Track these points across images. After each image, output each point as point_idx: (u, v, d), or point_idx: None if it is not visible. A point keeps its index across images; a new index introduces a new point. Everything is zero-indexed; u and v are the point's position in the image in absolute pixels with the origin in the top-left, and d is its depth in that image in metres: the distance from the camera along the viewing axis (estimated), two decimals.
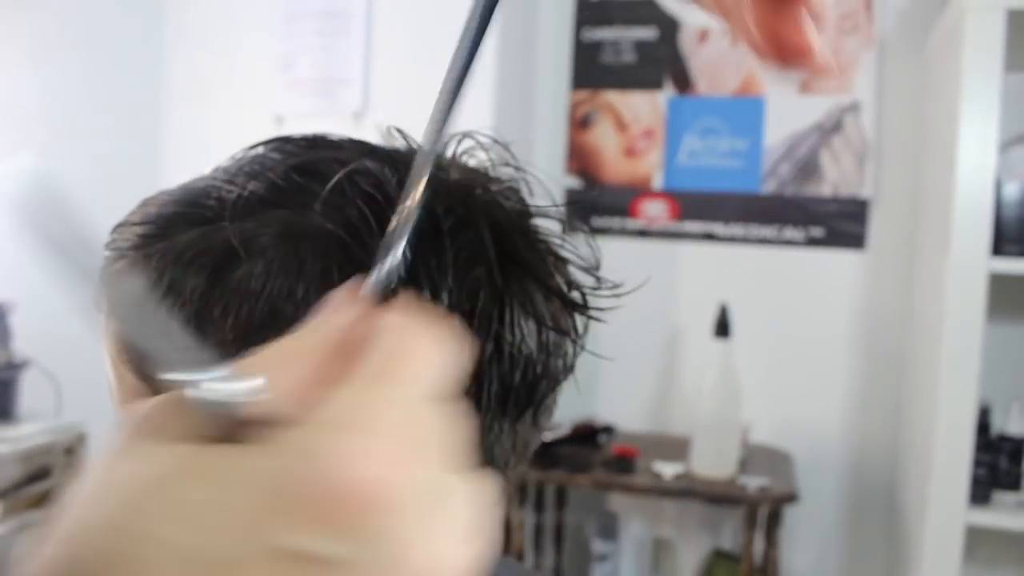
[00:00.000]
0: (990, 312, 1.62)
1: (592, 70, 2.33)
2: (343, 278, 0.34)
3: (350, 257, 0.37)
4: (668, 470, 1.93)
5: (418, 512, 0.22)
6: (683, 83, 2.26)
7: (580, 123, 2.35)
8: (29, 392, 1.76)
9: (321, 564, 0.20)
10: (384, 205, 0.38)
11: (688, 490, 1.90)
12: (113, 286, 0.27)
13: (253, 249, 0.38)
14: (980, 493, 1.68)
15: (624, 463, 1.93)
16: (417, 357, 0.25)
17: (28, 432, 1.63)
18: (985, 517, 1.67)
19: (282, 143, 0.43)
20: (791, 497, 1.86)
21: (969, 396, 1.62)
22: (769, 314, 2.22)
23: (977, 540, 1.77)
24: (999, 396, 1.80)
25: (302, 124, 2.19)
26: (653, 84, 2.28)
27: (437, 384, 0.24)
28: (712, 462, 1.93)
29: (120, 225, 0.44)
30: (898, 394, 2.13)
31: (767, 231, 2.23)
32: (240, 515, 0.20)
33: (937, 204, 1.80)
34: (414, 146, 0.45)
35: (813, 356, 2.21)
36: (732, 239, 2.25)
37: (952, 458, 1.64)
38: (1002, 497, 1.71)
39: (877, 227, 2.14)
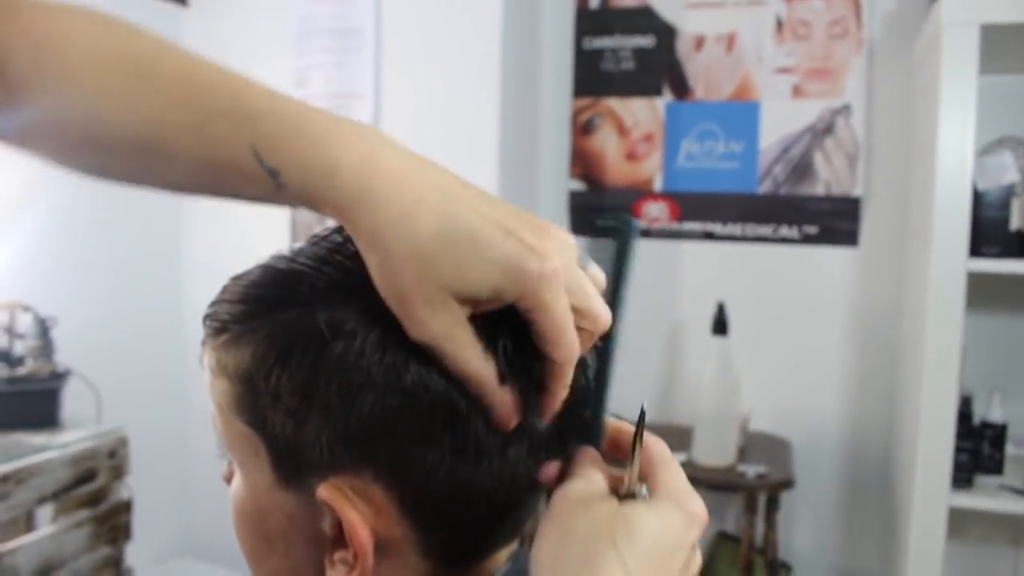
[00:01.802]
0: (973, 306, 1.72)
1: (593, 78, 2.43)
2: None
3: None
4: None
5: None
6: (681, 89, 2.36)
7: (583, 129, 2.45)
8: (71, 400, 1.89)
9: None
10: None
11: (690, 478, 1.99)
12: None
13: (343, 331, 0.46)
14: (963, 477, 1.78)
15: None
16: None
17: (73, 438, 1.76)
18: (968, 500, 1.77)
19: None
20: (787, 483, 1.97)
21: (950, 387, 1.72)
22: (767, 308, 2.32)
23: (965, 521, 1.88)
24: (982, 386, 1.90)
25: None
26: (652, 90, 2.38)
27: None
28: (713, 451, 2.04)
29: (218, 302, 0.52)
30: (890, 383, 2.23)
31: (764, 229, 2.33)
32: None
33: (921, 204, 1.90)
34: None
35: (809, 347, 2.32)
36: (730, 238, 2.35)
37: (935, 444, 1.74)
38: (985, 481, 1.81)
39: (869, 224, 2.23)
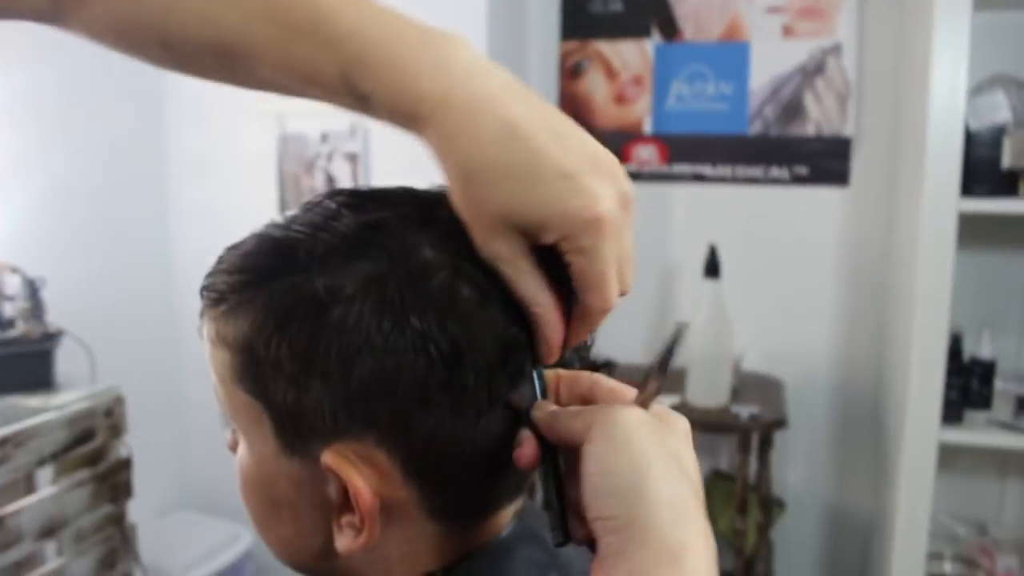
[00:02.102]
0: (962, 244, 1.72)
1: (581, 20, 2.39)
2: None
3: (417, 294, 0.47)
4: (666, 402, 2.06)
5: None
6: (670, 30, 2.33)
7: (571, 72, 2.42)
8: (64, 361, 1.88)
9: None
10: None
11: None
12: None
13: (341, 296, 0.46)
14: (953, 413, 1.81)
15: None
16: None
17: (69, 399, 1.76)
18: (958, 435, 1.80)
19: (349, 198, 0.51)
20: (780, 423, 2.00)
21: (941, 325, 1.74)
22: (758, 249, 2.33)
23: (954, 455, 1.92)
24: (971, 323, 1.92)
25: (303, 122, 2.26)
26: (641, 32, 2.35)
27: None
28: (706, 392, 2.06)
29: (214, 273, 0.52)
30: (880, 321, 2.25)
31: (754, 171, 2.32)
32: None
33: (912, 144, 1.89)
34: None
35: (800, 287, 2.33)
36: (721, 179, 2.34)
37: (926, 381, 1.77)
38: (974, 416, 1.84)
39: (859, 164, 2.23)
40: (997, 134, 1.71)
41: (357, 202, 0.50)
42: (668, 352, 0.46)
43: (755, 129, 2.30)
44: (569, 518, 0.46)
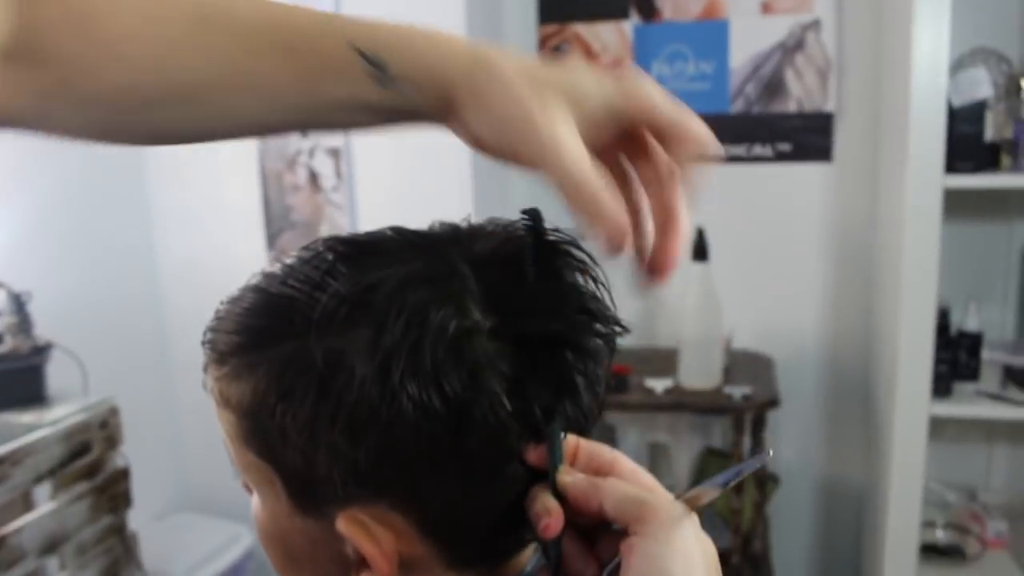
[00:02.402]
0: (946, 217, 1.74)
1: (558, 3, 2.37)
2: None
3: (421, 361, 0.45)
4: (659, 385, 2.08)
5: None
6: (648, 10, 2.31)
7: (550, 56, 2.40)
8: (55, 374, 1.87)
9: None
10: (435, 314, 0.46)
11: (678, 403, 2.05)
12: None
13: (342, 366, 0.45)
14: (942, 386, 1.83)
15: (619, 382, 2.07)
16: None
17: (63, 413, 1.75)
18: (947, 408, 1.83)
19: (346, 249, 0.49)
20: (773, 403, 2.02)
21: (928, 300, 1.75)
22: (743, 227, 2.33)
23: (944, 423, 1.94)
24: (956, 295, 1.94)
25: None
26: (619, 13, 2.33)
27: None
28: (698, 374, 2.08)
29: (214, 330, 0.51)
30: (868, 295, 2.27)
31: (737, 149, 2.32)
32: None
33: (895, 120, 1.90)
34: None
35: (787, 264, 2.34)
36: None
37: (915, 356, 1.79)
38: (963, 387, 1.87)
39: (842, 139, 2.23)
40: (979, 109, 1.72)
41: (355, 254, 0.49)
42: (737, 474, 0.45)
43: (737, 107, 2.30)
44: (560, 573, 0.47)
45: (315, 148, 2.21)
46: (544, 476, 0.47)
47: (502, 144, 0.47)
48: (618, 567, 0.43)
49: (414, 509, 0.47)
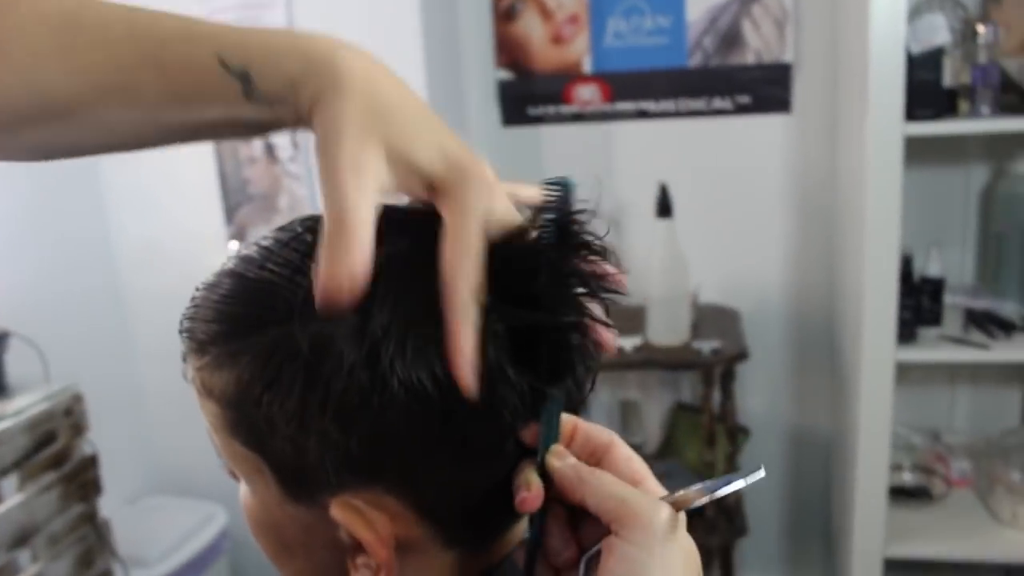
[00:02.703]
0: (907, 165, 1.74)
1: None
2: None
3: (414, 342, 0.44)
4: (628, 343, 2.09)
5: None
6: None
7: (505, 15, 2.36)
8: (14, 363, 1.82)
9: None
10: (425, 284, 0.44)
11: (648, 360, 2.06)
12: None
13: (330, 352, 0.44)
14: (907, 332, 1.86)
15: None
16: None
17: (26, 403, 1.71)
18: (912, 353, 1.86)
19: (321, 227, 0.47)
20: (742, 356, 2.04)
21: (892, 248, 1.77)
22: (705, 181, 2.33)
23: (908, 368, 1.98)
24: (918, 242, 1.97)
25: None
26: None
27: None
28: (666, 331, 2.09)
29: (192, 318, 0.49)
30: (830, 245, 2.29)
31: (697, 103, 2.31)
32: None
33: (854, 69, 1.90)
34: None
35: (750, 217, 2.35)
36: (664, 114, 2.33)
37: (880, 303, 1.81)
38: (927, 333, 1.90)
39: (800, 90, 2.23)
40: (937, 55, 1.72)
41: None
42: (728, 483, 0.44)
43: (695, 61, 2.28)
44: (539, 561, 0.47)
45: None
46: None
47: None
48: (597, 556, 0.43)
49: (409, 492, 0.46)
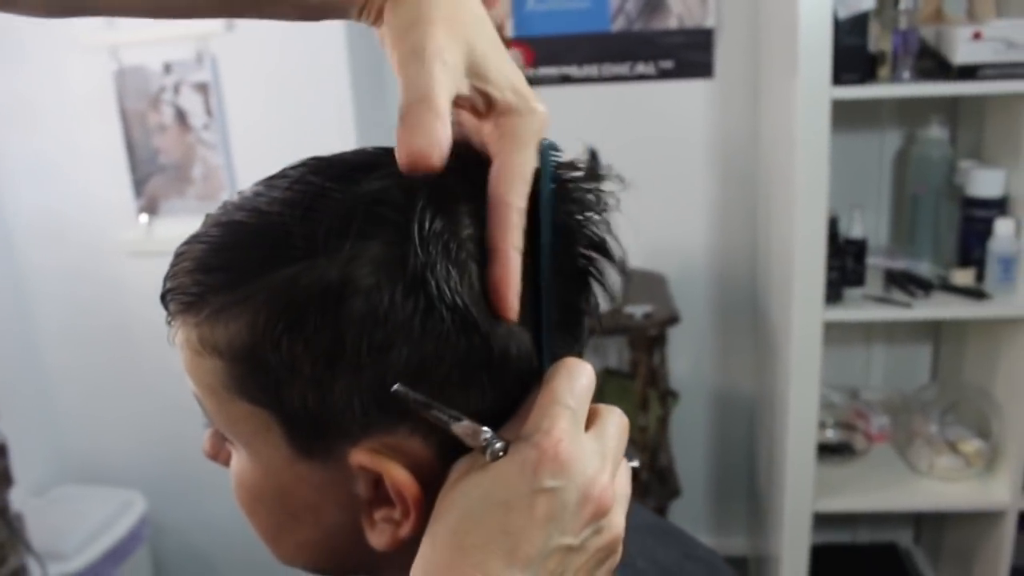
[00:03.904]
0: (832, 129, 1.78)
1: None
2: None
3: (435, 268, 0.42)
4: None
5: None
6: None
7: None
8: None
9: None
10: (449, 223, 0.43)
11: None
12: None
13: (362, 284, 0.41)
14: (834, 293, 1.91)
15: None
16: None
17: None
18: (839, 313, 1.90)
19: (326, 167, 0.46)
20: (673, 320, 2.05)
21: (820, 210, 1.80)
22: (629, 146, 2.33)
23: (828, 328, 2.03)
24: (841, 205, 2.01)
25: (140, 53, 2.02)
26: None
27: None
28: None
29: (179, 274, 0.46)
30: (753, 208, 2.32)
31: (620, 68, 2.30)
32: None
33: (780, 34, 1.92)
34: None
35: (674, 181, 2.36)
36: (587, 79, 2.31)
37: (809, 264, 1.84)
38: (852, 293, 1.95)
39: (722, 55, 2.25)
40: (863, 21, 1.75)
41: (338, 172, 0.45)
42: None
43: (618, 25, 2.27)
44: None
45: (180, 84, 2.04)
46: None
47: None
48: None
49: (437, 429, 0.43)
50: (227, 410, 0.46)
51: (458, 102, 0.43)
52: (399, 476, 0.43)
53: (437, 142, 0.40)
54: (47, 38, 2.06)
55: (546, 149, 0.47)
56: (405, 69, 0.41)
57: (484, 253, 0.43)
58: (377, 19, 0.45)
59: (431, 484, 0.44)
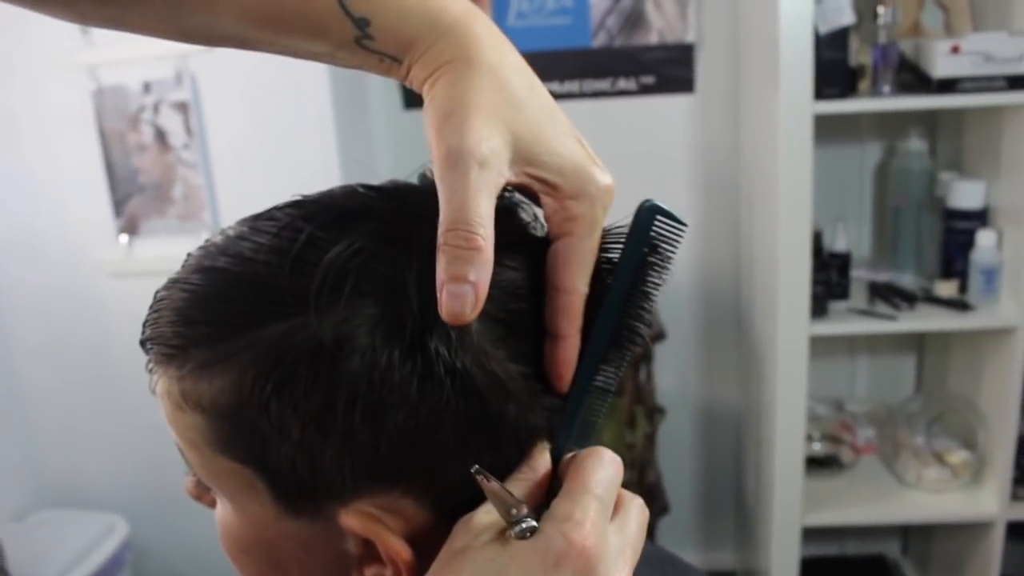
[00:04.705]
0: (814, 143, 1.79)
1: None
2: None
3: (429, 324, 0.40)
4: None
5: None
6: None
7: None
8: None
9: None
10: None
11: None
12: None
13: (356, 345, 0.39)
14: (819, 307, 1.91)
15: None
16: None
17: None
18: (825, 327, 1.91)
19: (311, 211, 0.43)
20: (660, 336, 2.05)
21: (804, 224, 1.81)
22: (611, 162, 2.29)
23: (813, 341, 2.03)
24: (824, 218, 2.02)
25: (120, 73, 2.00)
26: None
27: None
28: None
29: (162, 322, 0.43)
30: (736, 223, 2.33)
31: (601, 84, 2.30)
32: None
33: (761, 48, 1.93)
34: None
35: (656, 196, 2.35)
36: (569, 95, 2.31)
37: (794, 279, 1.84)
38: (836, 306, 1.95)
39: (703, 70, 2.26)
40: (843, 35, 1.77)
41: (329, 218, 0.43)
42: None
43: (599, 41, 2.27)
44: None
45: (159, 103, 2.02)
46: None
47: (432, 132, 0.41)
48: None
49: (432, 490, 0.42)
50: (210, 465, 0.44)
51: (516, 189, 0.43)
52: (392, 544, 0.42)
53: (472, 289, 0.38)
54: (25, 57, 2.04)
55: (648, 212, 0.46)
56: (442, 175, 0.39)
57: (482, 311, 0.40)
58: (420, 86, 0.44)
59: (423, 543, 0.43)
